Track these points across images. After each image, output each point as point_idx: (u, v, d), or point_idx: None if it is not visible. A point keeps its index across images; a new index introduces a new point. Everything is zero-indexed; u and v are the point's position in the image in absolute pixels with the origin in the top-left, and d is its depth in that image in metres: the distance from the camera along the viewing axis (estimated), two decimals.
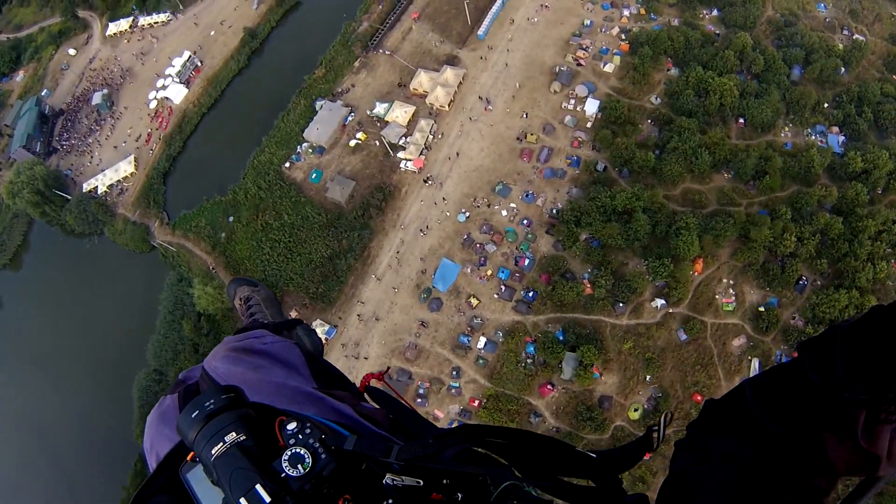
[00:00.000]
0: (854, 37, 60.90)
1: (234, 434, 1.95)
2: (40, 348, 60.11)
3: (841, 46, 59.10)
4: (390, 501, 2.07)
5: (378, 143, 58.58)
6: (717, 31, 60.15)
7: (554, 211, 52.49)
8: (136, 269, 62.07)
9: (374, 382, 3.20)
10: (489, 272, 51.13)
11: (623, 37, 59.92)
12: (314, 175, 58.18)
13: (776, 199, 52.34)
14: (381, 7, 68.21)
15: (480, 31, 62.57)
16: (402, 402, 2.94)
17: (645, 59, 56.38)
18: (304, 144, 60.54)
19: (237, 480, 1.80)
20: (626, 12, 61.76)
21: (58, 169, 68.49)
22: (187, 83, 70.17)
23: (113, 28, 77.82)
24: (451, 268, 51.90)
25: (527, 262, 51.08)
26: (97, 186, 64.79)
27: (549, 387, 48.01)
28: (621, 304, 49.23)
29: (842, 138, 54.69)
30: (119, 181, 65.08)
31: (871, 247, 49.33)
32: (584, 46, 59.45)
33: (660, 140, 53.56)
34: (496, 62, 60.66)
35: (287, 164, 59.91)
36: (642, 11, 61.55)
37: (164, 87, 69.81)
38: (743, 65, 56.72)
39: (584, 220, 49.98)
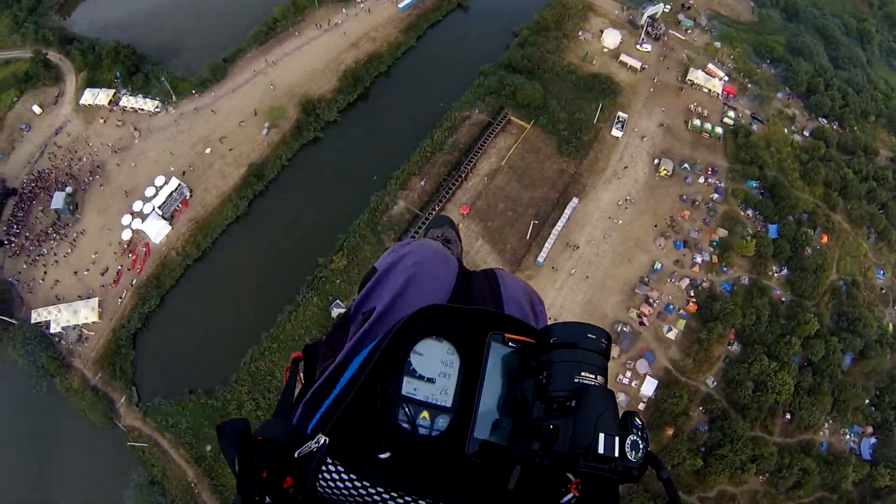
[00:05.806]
0: None
1: (601, 378, 1.95)
2: None
3: (892, 328, 58.05)
4: None
5: None
6: (784, 298, 56.64)
7: None
8: (95, 442, 50.56)
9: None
10: None
11: (692, 293, 55.17)
12: None
13: None
14: (422, 184, 56.96)
15: (539, 258, 54.69)
16: None
17: (713, 334, 52.82)
18: None
19: (605, 421, 1.80)
20: (698, 259, 56.23)
21: (1, 270, 56.55)
22: (171, 219, 57.70)
23: (89, 97, 63.10)
24: None
25: None
26: (49, 322, 53.21)
27: None
28: None
29: (873, 440, 55.57)
30: (77, 325, 53.36)
31: None
32: (651, 300, 54.25)
33: (709, 438, 51.91)
34: (553, 302, 54.00)
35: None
36: (716, 259, 56.36)
37: (141, 216, 57.26)
38: (805, 351, 54.64)
39: None
